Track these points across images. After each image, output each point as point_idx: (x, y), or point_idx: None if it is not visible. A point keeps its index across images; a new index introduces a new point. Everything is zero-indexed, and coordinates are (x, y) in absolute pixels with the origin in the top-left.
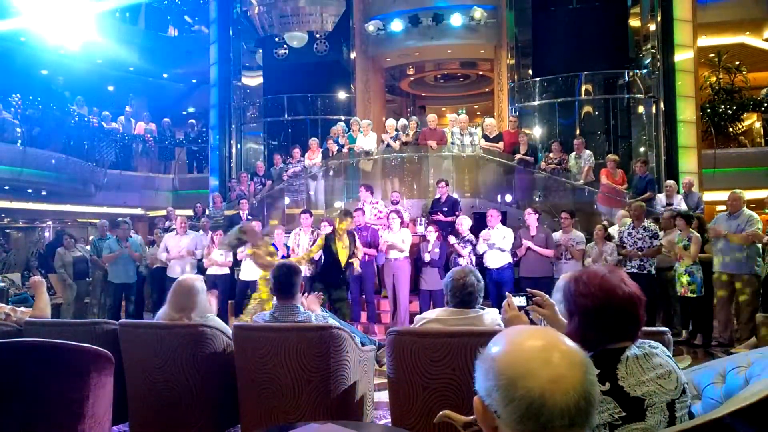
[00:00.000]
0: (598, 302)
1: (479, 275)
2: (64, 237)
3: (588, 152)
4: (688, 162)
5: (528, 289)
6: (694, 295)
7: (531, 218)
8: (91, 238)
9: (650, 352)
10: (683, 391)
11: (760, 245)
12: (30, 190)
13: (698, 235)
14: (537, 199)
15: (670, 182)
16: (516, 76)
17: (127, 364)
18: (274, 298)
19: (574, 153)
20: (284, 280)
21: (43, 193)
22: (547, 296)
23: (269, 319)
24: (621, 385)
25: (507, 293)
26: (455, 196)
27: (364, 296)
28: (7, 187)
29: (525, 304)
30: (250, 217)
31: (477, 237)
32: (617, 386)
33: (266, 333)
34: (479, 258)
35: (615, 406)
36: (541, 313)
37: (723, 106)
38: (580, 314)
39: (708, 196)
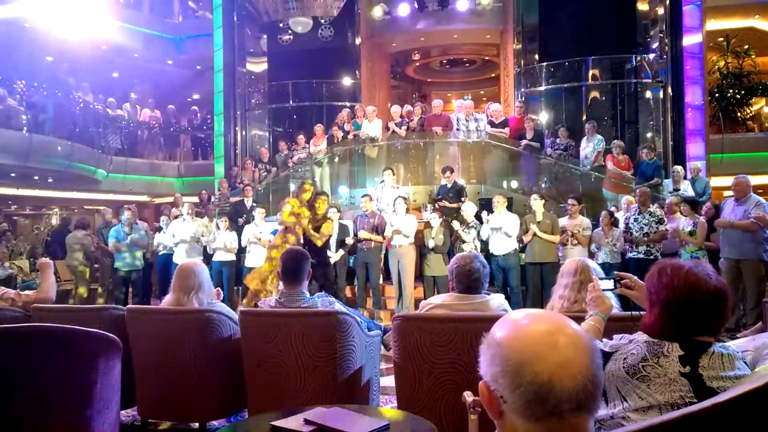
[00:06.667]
0: (682, 295)
1: (484, 260)
2: (79, 220)
3: (599, 137)
4: (695, 147)
5: (616, 272)
6: None
7: (537, 204)
8: (97, 225)
9: (734, 355)
10: None
11: None
12: (36, 177)
13: (704, 221)
14: (543, 185)
15: (678, 168)
16: (522, 61)
17: (135, 350)
18: (281, 283)
19: (586, 137)
20: (292, 266)
21: (50, 180)
22: (636, 278)
23: (275, 304)
24: (701, 373)
25: (594, 276)
26: (461, 182)
27: (369, 282)
28: (13, 174)
29: (612, 287)
30: (254, 204)
31: (482, 223)
32: (696, 373)
33: (272, 318)
34: (484, 244)
35: (689, 390)
36: (631, 295)
37: (731, 91)
38: (662, 306)
39: (716, 181)
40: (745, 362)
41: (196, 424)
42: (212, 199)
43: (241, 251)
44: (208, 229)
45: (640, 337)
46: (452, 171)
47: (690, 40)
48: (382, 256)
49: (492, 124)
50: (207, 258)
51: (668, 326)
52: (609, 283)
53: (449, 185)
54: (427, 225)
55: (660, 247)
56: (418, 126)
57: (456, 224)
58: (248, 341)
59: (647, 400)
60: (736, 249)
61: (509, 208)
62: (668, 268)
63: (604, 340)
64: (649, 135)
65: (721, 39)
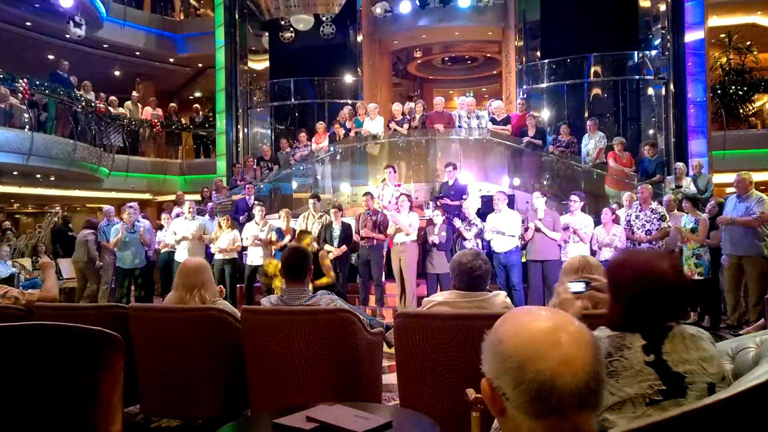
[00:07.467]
0: (646, 287)
1: (486, 258)
2: (88, 220)
3: (600, 134)
4: (697, 144)
5: (587, 275)
6: (702, 278)
7: (539, 201)
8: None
9: (698, 335)
10: (723, 378)
11: None
12: (38, 176)
13: (705, 218)
14: (545, 182)
15: (680, 164)
16: (524, 58)
17: (137, 348)
18: (283, 281)
19: (588, 134)
20: (294, 263)
21: (51, 179)
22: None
23: (277, 302)
24: (665, 359)
25: (565, 280)
26: (462, 179)
27: (371, 279)
28: (15, 173)
29: (582, 289)
30: (256, 202)
31: (484, 220)
32: (661, 360)
33: (275, 316)
34: (486, 241)
35: (656, 378)
36: (601, 298)
37: (733, 88)
38: (626, 297)
39: (718, 178)
40: (713, 344)
41: (199, 422)
42: (213, 197)
43: (243, 249)
44: (207, 227)
45: (602, 332)
46: (455, 167)
47: (692, 36)
48: (384, 253)
49: (494, 121)
50: (209, 256)
51: (629, 317)
52: (580, 286)
53: (451, 182)
54: (430, 222)
55: (663, 243)
56: (420, 123)
57: (457, 221)
58: (250, 339)
59: (618, 395)
60: (738, 246)
61: (510, 205)
62: (630, 260)
63: None
64: (651, 132)
65: (723, 35)
